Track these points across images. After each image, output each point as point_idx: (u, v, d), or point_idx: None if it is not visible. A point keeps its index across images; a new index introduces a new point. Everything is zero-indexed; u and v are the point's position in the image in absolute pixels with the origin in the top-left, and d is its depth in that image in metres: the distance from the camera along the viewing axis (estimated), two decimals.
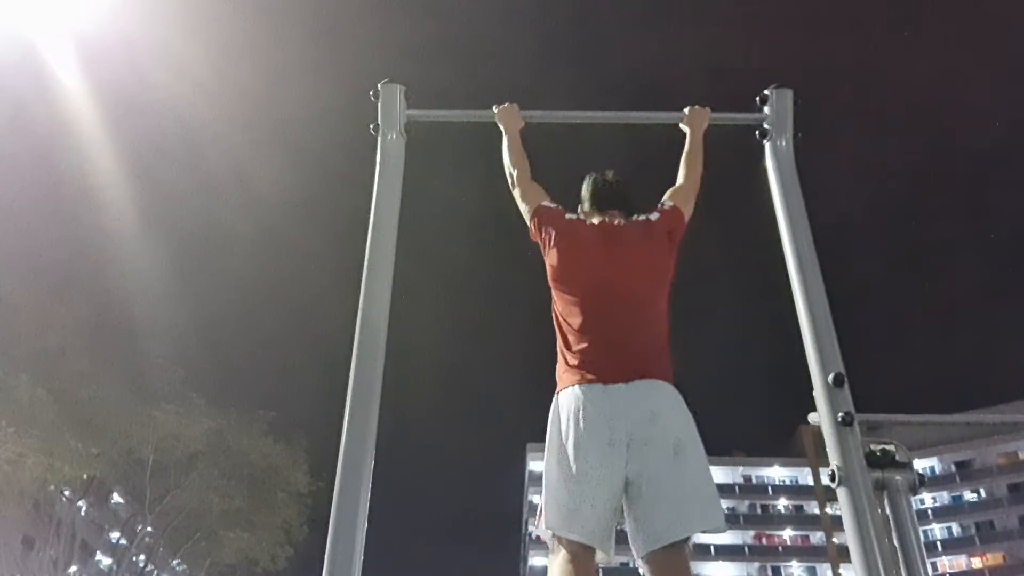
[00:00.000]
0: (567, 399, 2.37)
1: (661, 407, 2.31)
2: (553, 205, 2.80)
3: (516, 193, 2.90)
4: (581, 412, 2.30)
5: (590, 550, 2.20)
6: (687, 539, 2.21)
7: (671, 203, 2.81)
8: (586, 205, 2.82)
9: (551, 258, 2.65)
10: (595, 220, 2.74)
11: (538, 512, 2.34)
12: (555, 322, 2.60)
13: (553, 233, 2.67)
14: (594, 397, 2.32)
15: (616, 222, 2.70)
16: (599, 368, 2.38)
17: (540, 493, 2.38)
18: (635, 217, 2.75)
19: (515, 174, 2.93)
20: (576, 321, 2.50)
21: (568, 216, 2.76)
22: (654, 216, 2.74)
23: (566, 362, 2.47)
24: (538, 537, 2.44)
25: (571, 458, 2.25)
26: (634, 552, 2.23)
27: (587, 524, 2.19)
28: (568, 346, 2.49)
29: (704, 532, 2.23)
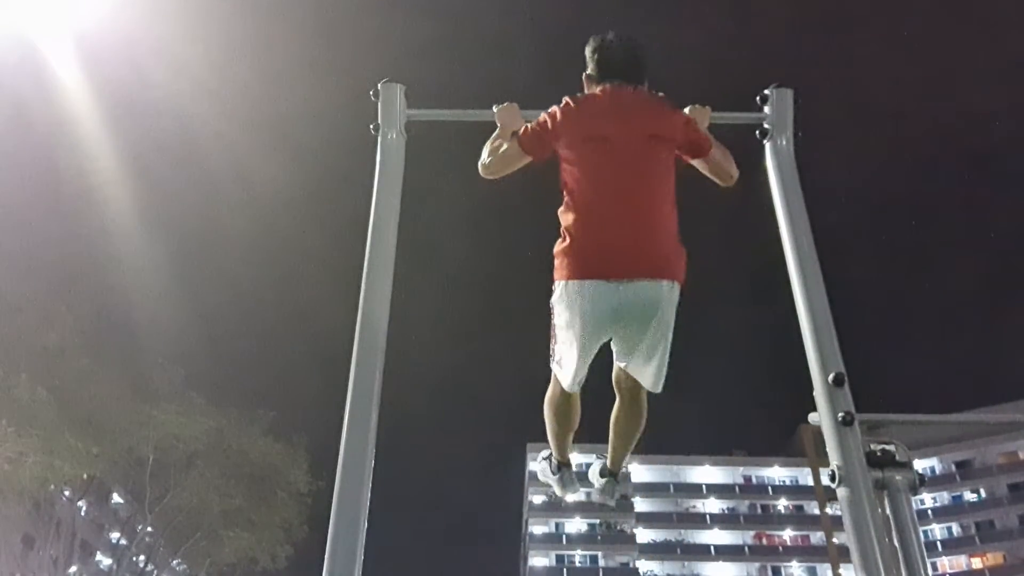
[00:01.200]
0: (572, 294, 2.54)
1: (659, 309, 2.55)
2: (541, 118, 2.76)
3: (501, 149, 2.83)
4: (588, 311, 2.53)
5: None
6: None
7: (697, 133, 2.79)
8: (590, 69, 2.80)
9: (564, 138, 2.66)
10: (598, 90, 2.74)
11: (555, 358, 2.74)
12: (564, 197, 2.66)
13: (560, 117, 2.68)
14: (600, 295, 2.50)
15: (632, 88, 2.72)
16: (605, 261, 2.51)
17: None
18: (653, 93, 2.77)
19: (491, 147, 2.89)
20: (583, 193, 2.58)
21: (554, 109, 2.72)
22: (677, 116, 2.76)
23: (571, 243, 2.56)
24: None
25: (578, 346, 2.60)
26: (615, 360, 2.82)
27: (582, 379, 2.75)
28: (574, 223, 2.57)
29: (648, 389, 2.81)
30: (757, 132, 3.01)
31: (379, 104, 3.04)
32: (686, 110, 3.06)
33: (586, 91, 2.83)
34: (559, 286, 2.60)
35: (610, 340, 2.71)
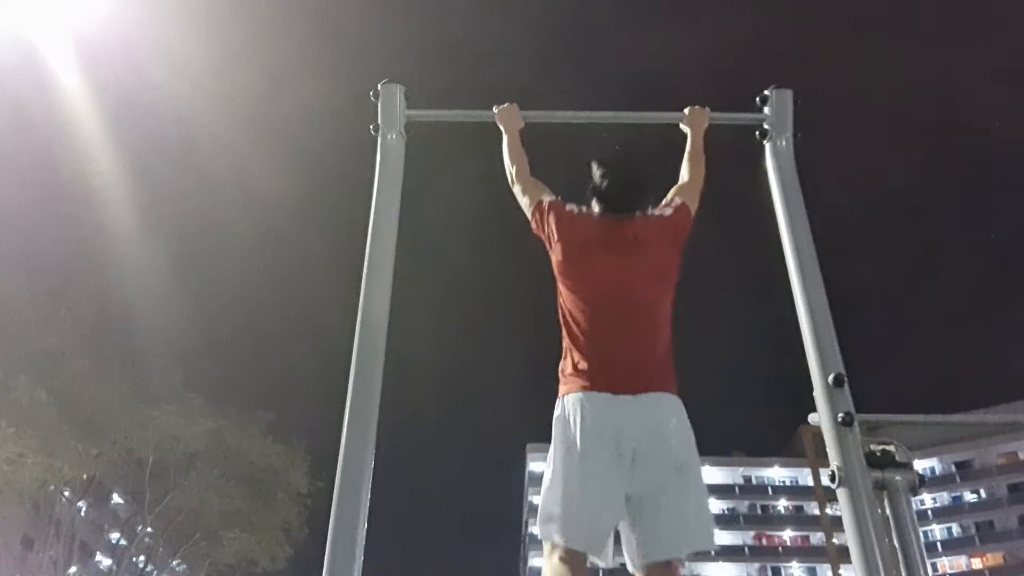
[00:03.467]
0: (574, 406, 2.33)
1: (667, 422, 2.30)
2: (554, 198, 2.74)
3: (516, 190, 2.86)
4: (589, 422, 2.27)
5: (583, 555, 2.20)
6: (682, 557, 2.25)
7: (680, 200, 2.75)
8: (595, 203, 2.69)
9: (556, 254, 2.61)
10: (598, 217, 2.67)
11: (538, 513, 2.30)
12: (561, 316, 2.56)
13: (556, 230, 2.62)
14: (602, 407, 2.29)
15: (625, 219, 2.64)
16: (608, 376, 2.35)
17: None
18: (645, 212, 2.67)
19: (514, 171, 2.90)
20: (583, 320, 2.47)
21: (570, 208, 2.69)
22: (662, 212, 2.69)
23: (573, 363, 2.43)
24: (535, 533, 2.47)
25: (576, 468, 2.23)
26: (628, 561, 2.26)
27: (584, 534, 2.19)
28: (576, 345, 2.46)
29: (694, 550, 2.25)
30: (757, 133, 3.01)
31: (379, 105, 3.04)
32: (685, 111, 3.06)
33: (588, 205, 2.71)
34: (558, 405, 2.39)
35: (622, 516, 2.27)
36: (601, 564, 2.25)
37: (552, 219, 2.65)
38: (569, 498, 2.20)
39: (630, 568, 2.25)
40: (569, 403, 2.35)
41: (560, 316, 2.56)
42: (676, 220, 2.67)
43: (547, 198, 2.74)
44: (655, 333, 2.47)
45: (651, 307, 2.49)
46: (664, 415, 2.31)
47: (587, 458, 2.22)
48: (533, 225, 2.74)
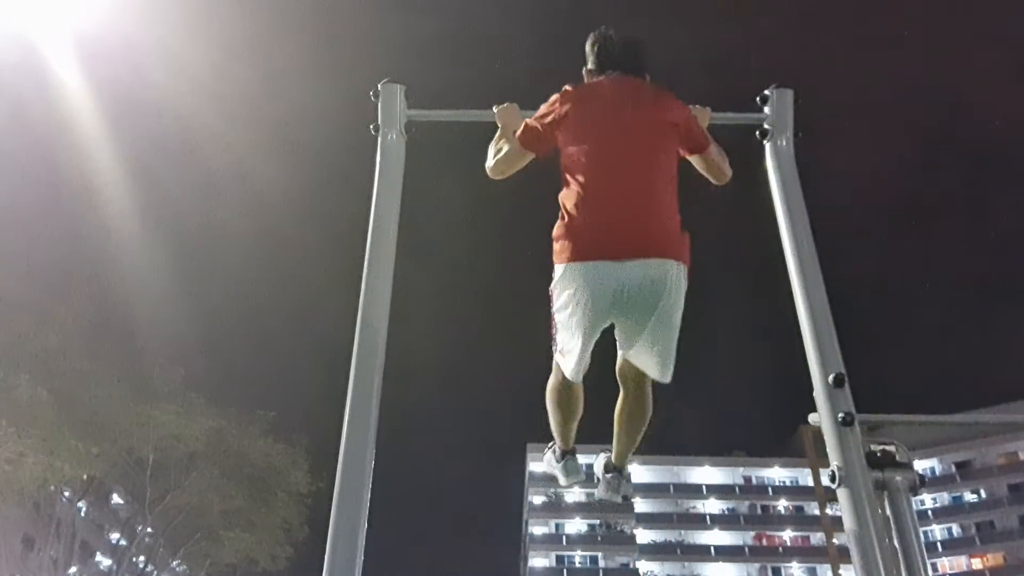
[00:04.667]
0: (576, 276, 2.46)
1: (666, 292, 2.46)
2: (534, 112, 2.77)
3: (504, 149, 2.84)
4: (589, 295, 2.46)
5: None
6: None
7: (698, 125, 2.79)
8: (590, 63, 2.78)
9: (562, 130, 2.64)
10: (601, 77, 2.72)
11: (558, 348, 2.65)
12: (563, 182, 2.61)
13: (559, 105, 2.66)
14: (602, 276, 2.43)
15: (632, 78, 2.70)
16: (609, 239, 2.44)
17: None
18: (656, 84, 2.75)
19: (494, 149, 2.91)
20: (585, 179, 2.52)
21: (554, 98, 2.71)
22: (680, 105, 2.73)
23: (571, 227, 2.50)
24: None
25: (581, 327, 2.51)
26: (619, 349, 2.72)
27: (585, 368, 2.65)
28: (576, 207, 2.51)
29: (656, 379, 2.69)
30: (757, 132, 3.01)
31: (379, 104, 3.04)
32: None
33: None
34: (559, 270, 2.54)
35: (613, 327, 2.64)
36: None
37: (545, 111, 2.70)
38: (576, 355, 2.58)
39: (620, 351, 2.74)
40: (569, 273, 2.49)
41: (562, 173, 2.62)
42: (690, 119, 2.74)
43: (530, 119, 2.78)
44: (658, 195, 2.55)
45: (656, 164, 2.57)
46: (664, 282, 2.45)
47: (589, 323, 2.51)
48: (533, 143, 2.74)
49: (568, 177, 2.61)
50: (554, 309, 2.61)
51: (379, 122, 3.03)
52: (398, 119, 3.03)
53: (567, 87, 2.73)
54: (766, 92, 3.01)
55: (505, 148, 2.85)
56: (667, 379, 2.66)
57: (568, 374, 2.67)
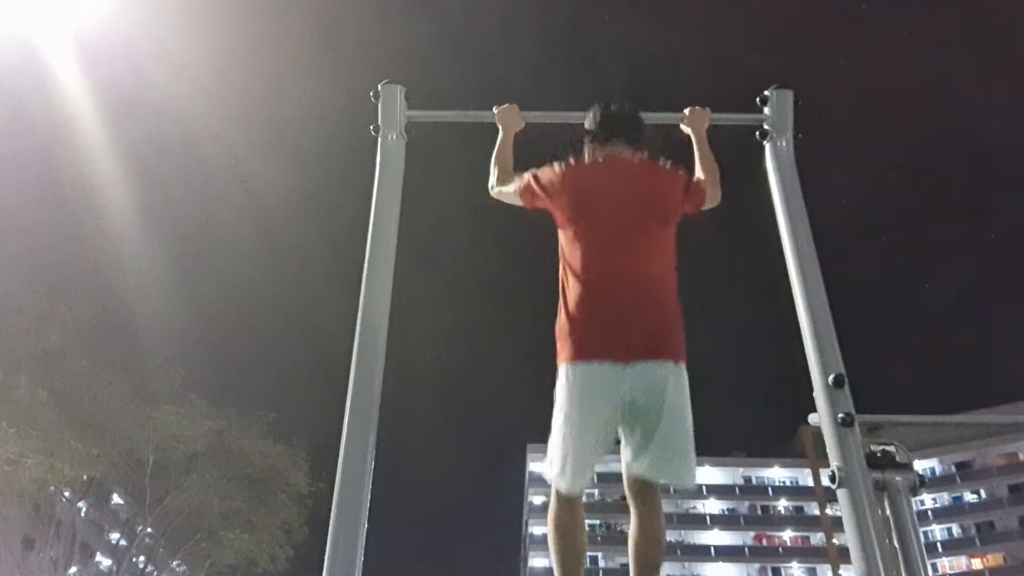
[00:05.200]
0: (575, 377, 2.39)
1: (665, 391, 2.36)
2: (537, 169, 2.74)
3: (501, 190, 2.86)
4: (587, 397, 2.36)
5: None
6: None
7: (697, 182, 2.75)
8: (591, 136, 2.75)
9: (558, 207, 2.61)
10: (600, 158, 2.69)
11: (548, 458, 2.47)
12: (562, 268, 2.56)
13: (556, 180, 2.63)
14: (601, 379, 2.36)
15: (627, 157, 2.66)
16: (606, 341, 2.38)
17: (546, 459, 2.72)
18: (652, 159, 2.70)
19: (497, 172, 2.91)
20: (582, 269, 2.47)
21: (558, 166, 2.69)
22: (675, 171, 2.69)
23: (571, 322, 2.45)
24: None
25: (578, 430, 2.37)
26: (624, 469, 2.49)
27: (583, 483, 2.42)
28: (575, 300, 2.46)
29: (676, 485, 2.45)
30: (757, 133, 3.01)
31: (379, 105, 3.04)
32: (686, 111, 3.06)
33: (586, 155, 2.76)
34: (561, 370, 2.44)
35: (618, 441, 2.48)
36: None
37: (549, 176, 2.67)
38: (572, 464, 2.38)
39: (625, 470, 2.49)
40: (569, 374, 2.41)
41: (560, 266, 2.57)
42: (687, 185, 2.69)
43: (530, 172, 2.76)
44: (657, 287, 2.48)
45: (654, 249, 2.51)
46: (664, 383, 2.37)
47: (590, 429, 2.38)
48: (528, 201, 2.73)
49: (566, 267, 2.54)
50: (553, 415, 2.48)
51: (379, 123, 3.04)
52: (398, 120, 3.03)
53: (569, 161, 2.69)
54: (766, 93, 3.02)
55: (506, 188, 2.84)
56: (691, 483, 2.43)
57: (565, 485, 2.41)
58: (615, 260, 2.47)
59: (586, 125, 2.79)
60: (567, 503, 2.46)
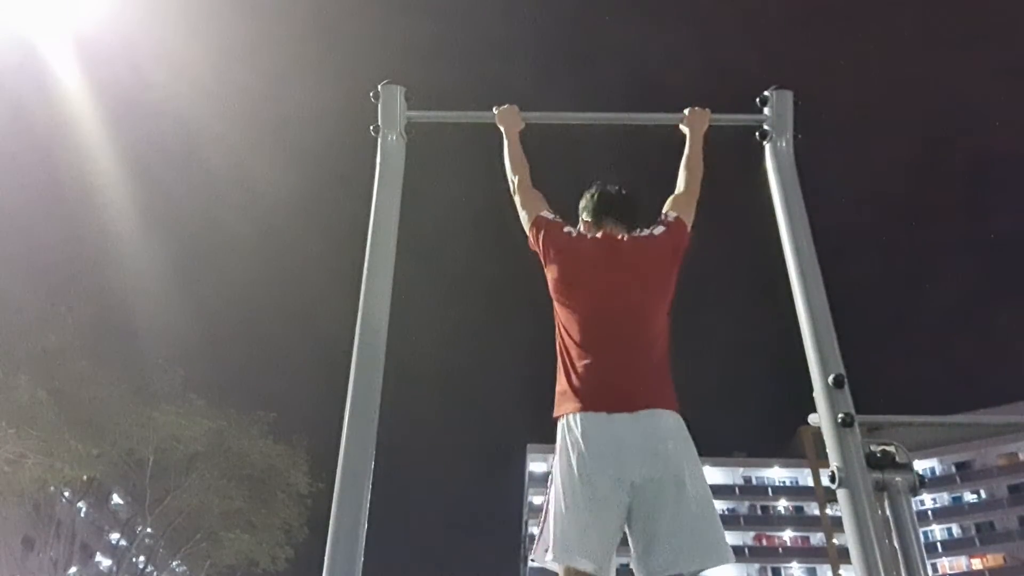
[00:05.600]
0: (572, 430, 2.34)
1: (666, 441, 2.30)
2: (552, 216, 2.76)
3: (517, 199, 2.88)
4: (587, 446, 2.28)
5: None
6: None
7: (674, 214, 2.75)
8: (586, 215, 2.76)
9: (551, 272, 2.62)
10: (597, 234, 2.69)
11: (537, 542, 2.33)
12: (558, 334, 2.57)
13: (552, 248, 2.64)
14: (599, 428, 2.30)
15: (619, 236, 2.66)
16: (603, 395, 2.35)
17: (540, 514, 2.44)
18: (638, 231, 2.70)
19: (516, 180, 2.91)
20: (578, 338, 2.47)
21: (567, 229, 2.71)
22: (658, 231, 2.69)
23: (568, 383, 2.43)
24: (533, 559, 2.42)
25: (578, 490, 2.25)
26: None
27: (593, 552, 2.20)
28: (571, 364, 2.46)
29: (708, 567, 2.20)
30: (757, 134, 3.01)
31: (379, 106, 3.04)
32: (685, 111, 3.06)
33: (581, 229, 2.76)
34: (559, 431, 2.39)
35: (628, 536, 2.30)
36: None
37: (547, 239, 2.68)
38: (575, 520, 2.22)
39: None
40: (566, 428, 2.37)
41: (556, 334, 2.57)
42: (673, 238, 2.68)
43: (546, 215, 2.76)
44: (650, 349, 2.46)
45: (646, 323, 2.50)
46: (663, 432, 2.31)
47: (587, 481, 2.25)
48: (530, 240, 2.77)
49: (561, 336, 2.55)
50: (548, 489, 2.37)
51: (379, 123, 3.04)
52: (398, 120, 3.03)
53: (569, 230, 2.70)
54: (766, 93, 3.02)
55: (521, 209, 2.84)
56: (726, 559, 2.20)
57: (569, 559, 2.19)
58: (608, 333, 2.46)
59: (581, 205, 2.80)
60: None
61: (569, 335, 2.51)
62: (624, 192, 2.79)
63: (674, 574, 2.18)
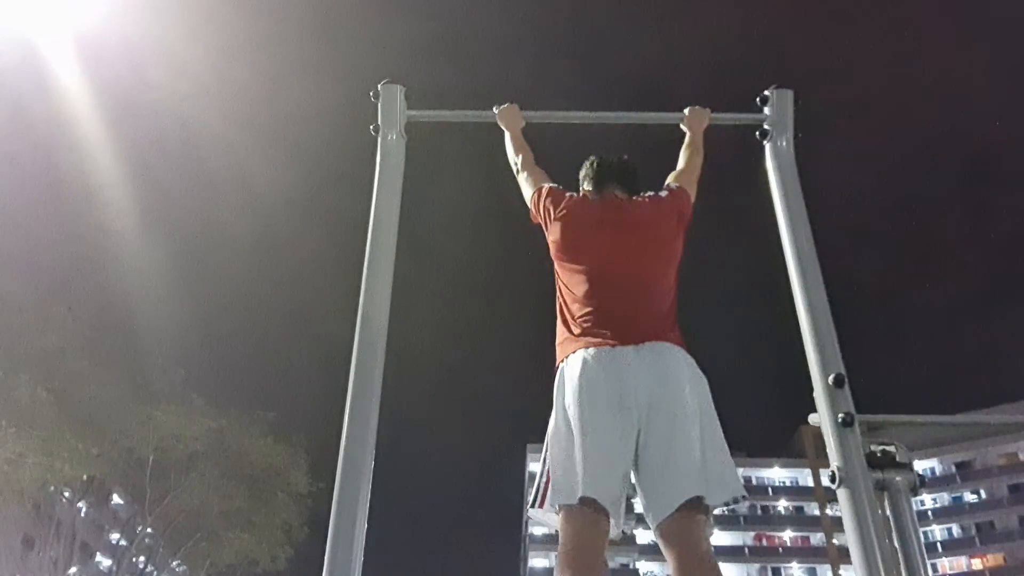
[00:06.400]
0: (574, 364, 2.29)
1: (672, 370, 2.25)
2: (555, 185, 2.78)
3: (520, 178, 2.90)
4: (590, 375, 2.22)
5: (603, 517, 2.08)
6: (703, 506, 2.09)
7: (677, 184, 2.78)
8: (587, 184, 2.76)
9: (553, 233, 2.62)
10: (598, 198, 2.70)
11: (537, 490, 2.21)
12: (558, 295, 2.56)
13: (553, 208, 2.65)
14: (603, 360, 2.25)
15: (622, 197, 2.67)
16: (606, 332, 2.33)
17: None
18: (641, 195, 2.70)
19: (519, 161, 2.94)
20: (580, 290, 2.47)
21: (570, 194, 2.72)
22: (664, 194, 2.71)
23: (569, 330, 2.42)
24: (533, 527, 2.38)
25: (582, 423, 2.15)
26: (650, 525, 2.12)
27: (601, 486, 2.07)
28: (572, 314, 2.44)
29: (720, 500, 2.13)
30: (757, 133, 3.01)
31: (379, 105, 3.04)
32: (685, 111, 3.07)
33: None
34: (557, 374, 2.33)
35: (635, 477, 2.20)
36: (616, 530, 2.16)
37: (551, 201, 2.68)
38: (580, 455, 2.10)
39: (653, 533, 2.11)
40: (567, 365, 2.32)
41: (557, 295, 2.56)
42: (677, 202, 2.69)
43: (547, 184, 2.79)
44: (652, 297, 2.46)
45: (648, 279, 2.49)
46: (668, 364, 2.26)
47: (591, 412, 2.14)
48: (532, 210, 2.77)
49: (563, 292, 2.53)
50: (548, 434, 2.27)
51: (379, 123, 3.04)
52: (398, 120, 3.03)
53: (572, 196, 2.70)
54: (766, 93, 3.02)
55: (525, 186, 2.86)
56: (738, 491, 2.13)
57: (574, 493, 2.05)
58: (611, 295, 2.44)
59: (581, 174, 2.80)
60: (582, 541, 2.01)
61: (571, 291, 2.49)
62: (624, 159, 2.79)
63: (687, 498, 2.05)
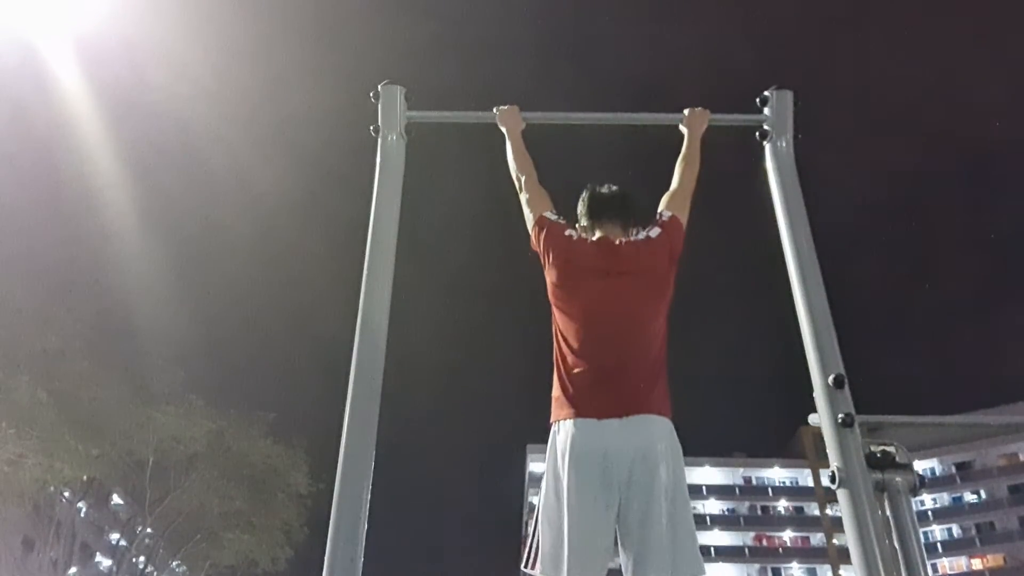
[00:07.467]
0: (562, 435, 2.37)
1: (651, 448, 2.31)
2: (555, 217, 2.76)
3: (522, 198, 2.88)
4: (578, 451, 2.31)
5: None
6: None
7: (669, 213, 2.75)
8: (583, 220, 2.76)
9: (551, 276, 2.63)
10: (594, 237, 2.68)
11: (530, 551, 2.34)
12: (554, 338, 2.58)
13: (552, 251, 2.64)
14: (590, 435, 2.32)
15: (616, 241, 2.65)
16: (594, 401, 2.37)
17: (534, 523, 2.46)
18: (634, 234, 2.69)
19: (522, 179, 2.90)
20: (574, 342, 2.49)
21: (568, 232, 2.70)
22: (654, 232, 2.68)
23: (562, 388, 2.46)
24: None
25: (569, 505, 2.27)
26: None
27: (588, 570, 2.22)
28: (565, 369, 2.47)
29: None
30: (757, 134, 3.01)
31: (379, 106, 3.04)
32: (685, 112, 3.07)
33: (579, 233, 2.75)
34: (550, 436, 2.42)
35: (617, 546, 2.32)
36: None
37: (549, 239, 2.67)
38: (564, 529, 2.26)
39: None
40: (557, 434, 2.40)
41: (553, 336, 2.58)
42: (669, 239, 2.67)
43: (549, 215, 2.76)
44: (646, 354, 2.47)
45: (643, 328, 2.50)
46: (655, 440, 2.32)
47: (575, 489, 2.27)
48: (532, 240, 2.77)
49: (557, 342, 2.55)
50: (539, 497, 2.40)
51: (379, 124, 3.04)
52: (398, 121, 3.03)
53: (568, 232, 2.70)
54: (766, 93, 3.02)
55: (526, 208, 2.85)
56: (699, 571, 2.27)
57: (560, 571, 2.22)
58: (604, 335, 2.47)
59: (579, 209, 2.79)
60: None
61: (565, 341, 2.52)
62: (617, 191, 2.79)
63: None
